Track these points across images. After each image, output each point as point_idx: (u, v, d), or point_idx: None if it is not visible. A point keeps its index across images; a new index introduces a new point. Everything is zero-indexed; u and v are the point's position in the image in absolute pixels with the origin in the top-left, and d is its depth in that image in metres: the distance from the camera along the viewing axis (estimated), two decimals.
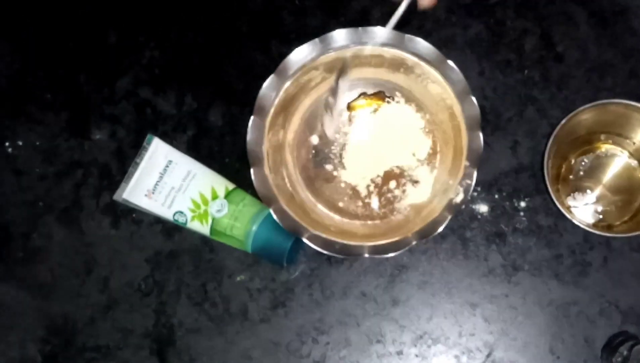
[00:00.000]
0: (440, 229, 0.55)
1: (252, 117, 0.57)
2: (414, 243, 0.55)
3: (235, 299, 0.62)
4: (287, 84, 0.58)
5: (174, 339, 0.62)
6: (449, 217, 0.56)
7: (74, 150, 0.65)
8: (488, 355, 0.61)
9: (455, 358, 0.61)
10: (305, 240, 0.56)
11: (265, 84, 0.58)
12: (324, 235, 0.57)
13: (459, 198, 0.56)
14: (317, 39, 0.58)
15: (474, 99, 0.57)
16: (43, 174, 0.65)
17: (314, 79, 0.60)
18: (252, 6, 0.67)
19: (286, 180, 0.61)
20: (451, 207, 0.56)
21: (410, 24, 0.58)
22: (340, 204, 0.62)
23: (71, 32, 0.67)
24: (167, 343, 0.62)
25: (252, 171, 0.57)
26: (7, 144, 0.66)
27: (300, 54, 0.58)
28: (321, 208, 0.62)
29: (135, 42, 0.67)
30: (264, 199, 0.57)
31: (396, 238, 0.56)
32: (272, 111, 0.58)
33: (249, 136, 0.57)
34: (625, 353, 0.57)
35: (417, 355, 0.61)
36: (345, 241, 0.57)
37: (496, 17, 0.65)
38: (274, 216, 0.56)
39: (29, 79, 0.67)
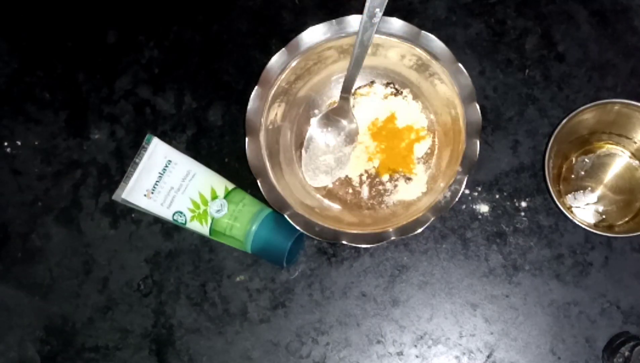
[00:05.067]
0: (420, 229, 0.55)
1: (255, 87, 0.57)
2: (392, 238, 0.56)
3: (234, 299, 0.62)
4: (297, 60, 0.58)
5: (173, 339, 0.62)
6: (432, 219, 0.56)
7: (73, 150, 0.65)
8: (489, 356, 0.61)
9: (455, 359, 0.61)
10: (286, 217, 0.56)
11: (275, 57, 0.58)
12: (306, 215, 0.57)
13: (445, 202, 0.56)
14: (333, 20, 0.58)
15: (477, 106, 0.57)
16: (42, 174, 0.65)
17: (324, 60, 0.60)
18: (252, 5, 0.67)
19: (281, 156, 0.61)
20: (436, 209, 0.56)
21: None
22: (331, 186, 0.62)
23: (70, 31, 0.67)
24: (166, 343, 0.62)
25: (246, 140, 0.57)
26: (5, 144, 0.66)
27: (314, 33, 0.58)
28: (310, 188, 0.62)
29: (135, 41, 0.67)
30: (254, 170, 0.57)
31: (376, 231, 0.56)
32: (277, 84, 0.58)
33: (250, 106, 0.57)
34: (626, 353, 0.57)
35: (417, 356, 0.61)
36: (326, 225, 0.57)
37: (497, 17, 0.65)
38: (261, 188, 0.57)
39: (28, 78, 0.67)
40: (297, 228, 0.56)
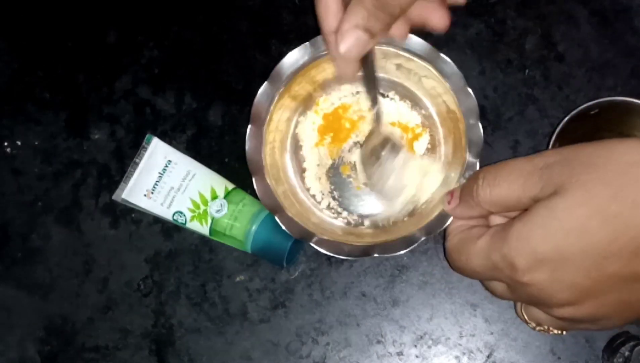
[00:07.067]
0: (448, 222, 0.55)
1: (249, 126, 0.57)
2: (422, 239, 0.55)
3: (234, 299, 0.62)
4: (281, 90, 0.58)
5: (173, 339, 0.62)
6: None
7: (73, 150, 0.65)
8: (489, 356, 0.61)
9: (455, 359, 0.61)
10: (313, 245, 0.56)
11: (260, 91, 0.57)
12: (331, 239, 0.57)
13: None
14: (307, 43, 0.57)
15: (470, 90, 0.57)
16: (42, 174, 0.65)
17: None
18: (252, 5, 0.67)
19: (286, 186, 0.60)
20: None
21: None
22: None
23: (70, 31, 0.67)
24: (166, 343, 0.62)
25: (254, 180, 0.57)
26: (5, 144, 0.66)
27: (292, 58, 0.57)
28: (324, 209, 0.61)
29: (135, 41, 0.67)
30: (269, 208, 0.57)
31: (403, 235, 0.56)
32: (268, 118, 0.58)
33: (247, 145, 0.57)
34: (626, 353, 0.57)
35: (417, 356, 0.61)
36: (353, 243, 0.56)
37: (497, 17, 0.65)
38: (281, 225, 0.56)
39: (28, 78, 0.67)
40: (326, 253, 0.56)
